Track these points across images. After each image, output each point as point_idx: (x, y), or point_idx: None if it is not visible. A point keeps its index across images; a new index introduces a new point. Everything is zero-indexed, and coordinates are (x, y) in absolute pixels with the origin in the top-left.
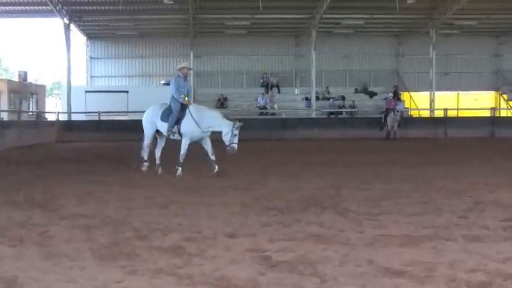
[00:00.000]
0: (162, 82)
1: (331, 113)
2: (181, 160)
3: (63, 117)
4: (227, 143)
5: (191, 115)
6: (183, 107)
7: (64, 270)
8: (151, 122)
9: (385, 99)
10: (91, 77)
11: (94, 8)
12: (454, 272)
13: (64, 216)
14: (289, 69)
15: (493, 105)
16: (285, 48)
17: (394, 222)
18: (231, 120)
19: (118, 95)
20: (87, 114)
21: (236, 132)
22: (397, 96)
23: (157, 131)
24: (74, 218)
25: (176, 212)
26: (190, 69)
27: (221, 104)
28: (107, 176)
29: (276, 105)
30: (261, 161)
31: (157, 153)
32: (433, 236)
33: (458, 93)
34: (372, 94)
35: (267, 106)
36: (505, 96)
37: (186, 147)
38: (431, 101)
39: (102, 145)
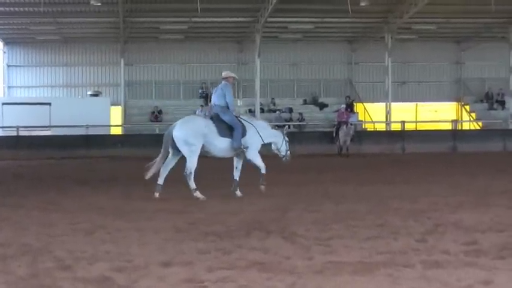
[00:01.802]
0: (89, 93)
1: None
2: (264, 172)
3: None
4: (283, 153)
5: (254, 127)
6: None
7: None
8: (203, 137)
9: (337, 111)
10: (8, 87)
11: (11, 9)
12: None
13: None
14: None
15: (455, 117)
16: (227, 55)
17: (346, 248)
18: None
19: (39, 108)
20: (4, 129)
21: (287, 138)
22: (349, 108)
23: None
24: None
25: (103, 238)
26: (236, 78)
27: (155, 117)
28: (26, 198)
29: None
30: (197, 181)
31: (165, 173)
32: (389, 263)
33: (416, 104)
34: (322, 106)
35: None
36: (467, 107)
37: (260, 159)
38: (388, 113)
39: (21, 164)
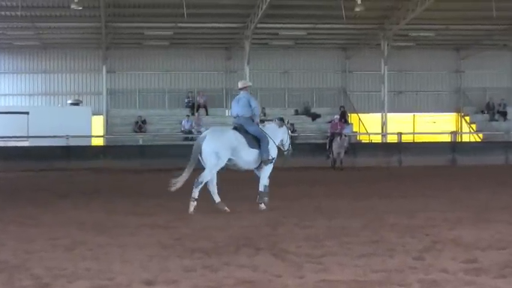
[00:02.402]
0: (69, 102)
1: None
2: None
3: None
4: (286, 147)
5: (268, 136)
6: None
7: None
8: (232, 151)
9: (330, 122)
10: None
11: None
12: None
13: None
14: (219, 87)
15: (454, 129)
16: (214, 63)
17: (339, 265)
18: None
19: (16, 117)
20: None
21: (290, 131)
22: (343, 119)
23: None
24: None
25: (84, 255)
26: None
27: (139, 127)
28: (3, 212)
29: (203, 129)
30: (184, 194)
31: (214, 189)
32: (384, 281)
33: (414, 115)
34: (314, 116)
35: (193, 130)
36: (467, 118)
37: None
38: (383, 124)
39: None
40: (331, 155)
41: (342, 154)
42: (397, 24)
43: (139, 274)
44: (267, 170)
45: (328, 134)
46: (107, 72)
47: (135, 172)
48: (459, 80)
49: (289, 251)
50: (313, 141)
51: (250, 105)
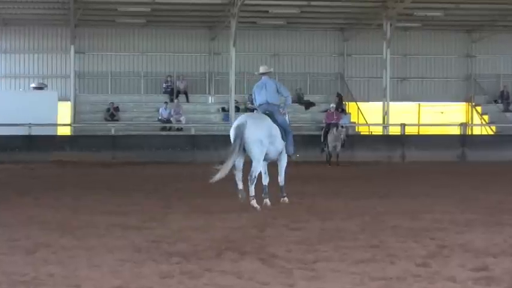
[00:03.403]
0: (33, 86)
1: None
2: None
3: None
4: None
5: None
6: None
7: None
8: (270, 138)
9: (326, 111)
10: None
11: None
12: None
13: None
14: (201, 70)
15: (464, 120)
16: (196, 44)
17: (334, 272)
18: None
19: None
20: None
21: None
22: (340, 108)
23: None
24: None
25: (47, 258)
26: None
27: (111, 115)
28: None
29: (183, 118)
30: (161, 190)
31: (241, 175)
32: None
33: (419, 105)
34: (308, 105)
35: (172, 119)
36: (478, 108)
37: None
38: (385, 114)
39: None
40: (326, 149)
41: (339, 147)
42: (401, 3)
43: (109, 281)
44: (285, 162)
45: (323, 125)
46: (76, 52)
47: (106, 166)
48: (470, 65)
49: (278, 256)
50: (306, 132)
51: (278, 92)
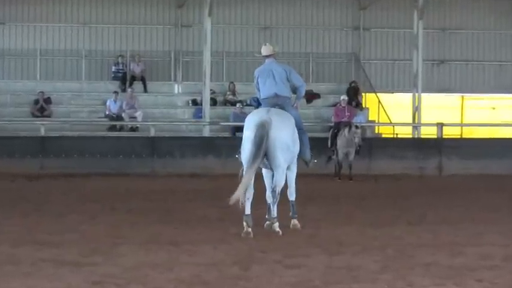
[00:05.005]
0: None
1: (237, 129)
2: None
3: None
4: None
5: None
6: None
7: None
8: (294, 141)
9: (335, 105)
10: None
11: None
12: None
13: None
14: (164, 49)
15: None
16: (158, 13)
17: None
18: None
19: None
20: None
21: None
22: (355, 101)
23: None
24: None
25: None
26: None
27: (40, 109)
28: None
29: (139, 114)
30: (109, 212)
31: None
32: None
33: (462, 97)
34: (311, 96)
35: (124, 115)
36: None
37: None
38: (416, 109)
39: None
40: (334, 157)
41: (352, 155)
42: None
43: None
44: (295, 172)
45: (331, 124)
46: None
47: (33, 178)
48: None
49: None
50: (308, 134)
51: (288, 81)
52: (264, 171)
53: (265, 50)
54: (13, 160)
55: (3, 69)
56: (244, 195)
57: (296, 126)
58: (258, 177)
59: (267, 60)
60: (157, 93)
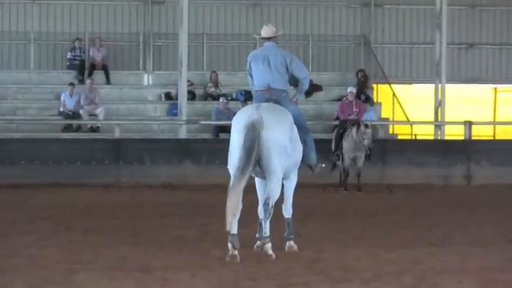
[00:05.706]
0: None
1: (221, 129)
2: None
3: None
4: None
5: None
6: None
7: None
8: (292, 144)
9: (340, 100)
10: None
11: None
12: None
13: None
14: (131, 31)
15: None
16: None
17: None
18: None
19: None
20: None
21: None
22: (364, 95)
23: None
24: None
25: None
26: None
27: None
28: None
29: (100, 111)
30: (62, 233)
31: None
32: None
33: (495, 89)
34: (311, 89)
35: (82, 112)
36: None
37: None
38: (439, 104)
39: None
40: (340, 163)
41: (361, 161)
42: None
43: None
44: (294, 182)
45: (336, 123)
46: None
47: None
48: None
49: None
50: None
51: (288, 71)
52: (257, 181)
53: (265, 31)
54: None
55: None
56: (235, 205)
57: (296, 124)
58: (248, 188)
59: (265, 44)
60: (123, 85)
